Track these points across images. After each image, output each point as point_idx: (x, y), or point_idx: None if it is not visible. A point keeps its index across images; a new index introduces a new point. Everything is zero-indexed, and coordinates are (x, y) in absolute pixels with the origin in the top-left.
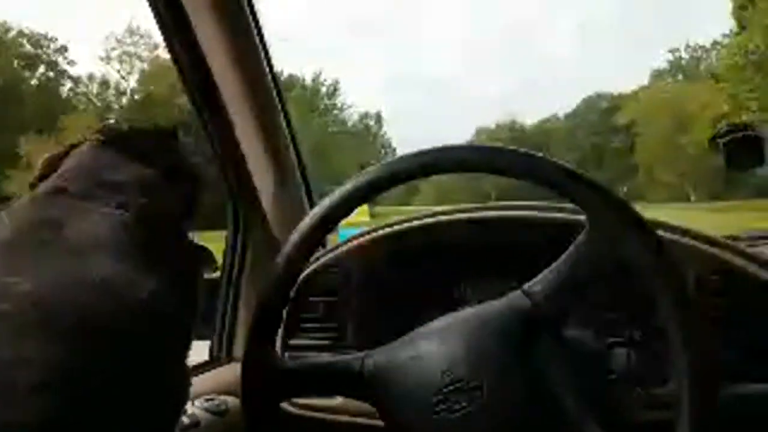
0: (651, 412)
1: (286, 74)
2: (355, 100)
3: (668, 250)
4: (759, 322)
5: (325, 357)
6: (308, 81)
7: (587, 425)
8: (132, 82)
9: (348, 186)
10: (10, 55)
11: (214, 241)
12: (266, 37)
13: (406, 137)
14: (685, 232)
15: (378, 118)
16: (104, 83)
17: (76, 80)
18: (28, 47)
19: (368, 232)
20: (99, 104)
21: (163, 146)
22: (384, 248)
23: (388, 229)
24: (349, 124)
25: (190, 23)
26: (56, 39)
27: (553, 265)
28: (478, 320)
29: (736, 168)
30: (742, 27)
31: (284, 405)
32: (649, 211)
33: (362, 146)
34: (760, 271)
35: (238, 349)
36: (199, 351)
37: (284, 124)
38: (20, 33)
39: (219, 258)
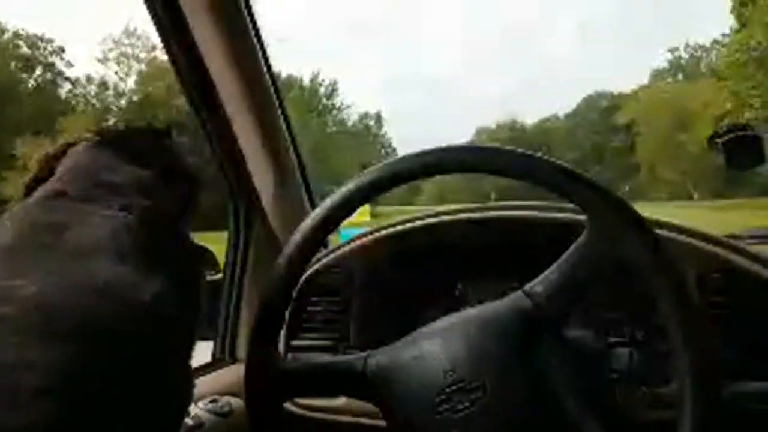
0: (653, 412)
1: (284, 75)
2: (355, 101)
3: (667, 249)
4: (760, 320)
5: (328, 357)
6: (306, 82)
7: (588, 425)
8: (130, 83)
9: (349, 186)
10: (7, 56)
11: (216, 242)
12: (264, 37)
13: (407, 137)
14: (684, 231)
15: (378, 118)
16: (103, 84)
17: (74, 82)
18: (24, 49)
19: (370, 233)
20: (98, 106)
21: (158, 146)
22: (386, 248)
23: (389, 230)
24: (349, 124)
25: (188, 24)
26: (53, 40)
27: (554, 265)
28: (479, 320)
29: (736, 167)
30: (742, 24)
31: (287, 405)
32: (651, 210)
33: (362, 146)
34: (761, 270)
35: (241, 351)
36: (202, 352)
37: (283, 124)
38: (16, 34)
39: (220, 258)
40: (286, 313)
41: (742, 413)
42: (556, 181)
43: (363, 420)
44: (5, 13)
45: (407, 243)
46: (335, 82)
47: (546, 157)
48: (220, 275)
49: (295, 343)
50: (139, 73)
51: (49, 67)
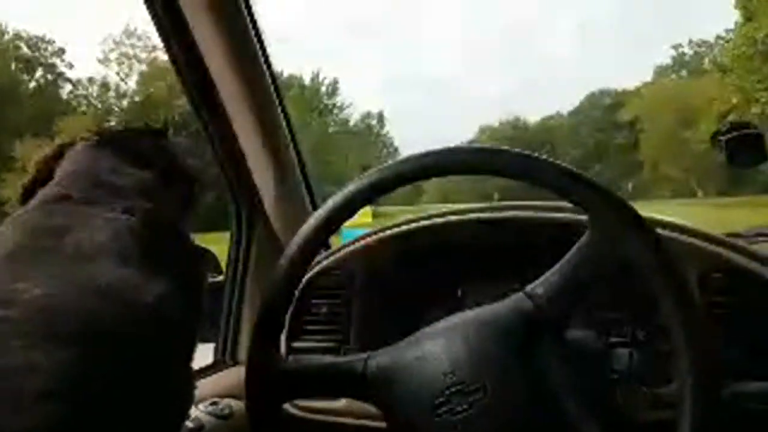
0: (654, 412)
1: (285, 75)
2: (357, 101)
3: (668, 249)
4: (761, 320)
5: (329, 358)
6: (307, 81)
7: (589, 426)
8: (131, 83)
9: (351, 187)
10: (8, 57)
11: (217, 243)
12: (264, 37)
13: (408, 137)
14: (685, 231)
15: (380, 117)
16: (104, 85)
17: (75, 83)
18: (25, 50)
19: (371, 234)
20: (99, 106)
21: (157, 147)
22: (387, 249)
23: (391, 231)
24: (351, 123)
25: (188, 24)
26: (54, 41)
27: (555, 267)
28: (480, 322)
29: (738, 165)
30: (748, 18)
31: (287, 407)
32: (654, 208)
33: (364, 146)
34: (763, 270)
35: (243, 353)
36: (203, 354)
37: (284, 124)
38: (17, 36)
39: (222, 259)
40: (288, 315)
41: (743, 413)
42: (556, 182)
43: (363, 422)
44: (6, 14)
45: (409, 244)
46: (336, 81)
47: (546, 158)
48: (221, 277)
49: (297, 344)
50: (140, 73)
51: (50, 68)
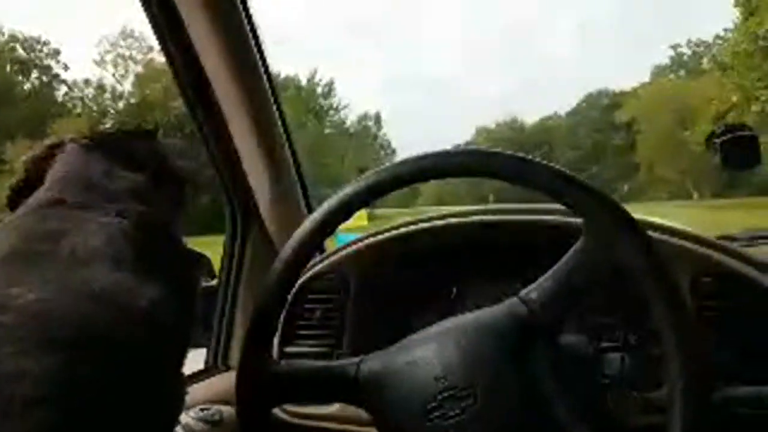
0: (644, 417)
1: (282, 76)
2: (355, 102)
3: (660, 251)
4: (752, 324)
5: (321, 362)
6: (303, 82)
7: (580, 431)
8: (127, 85)
9: (347, 190)
10: (3, 59)
11: (210, 246)
12: (261, 37)
13: (406, 138)
14: (677, 233)
15: (377, 119)
16: (100, 87)
17: (71, 85)
18: (20, 51)
19: (365, 238)
20: (95, 108)
21: (149, 149)
22: (382, 253)
23: (385, 235)
24: (347, 125)
25: (184, 24)
26: (49, 42)
27: (549, 272)
28: (473, 326)
29: (732, 168)
30: (750, 13)
31: (277, 413)
32: (650, 210)
33: (361, 148)
34: (754, 273)
35: (234, 358)
36: (195, 359)
37: (280, 125)
38: (13, 37)
39: (215, 262)
40: (281, 319)
41: (733, 417)
42: (549, 184)
43: (353, 428)
44: (2, 16)
45: (404, 247)
46: (332, 82)
47: (540, 160)
48: (215, 281)
49: (289, 349)
50: (136, 75)
51: (46, 69)
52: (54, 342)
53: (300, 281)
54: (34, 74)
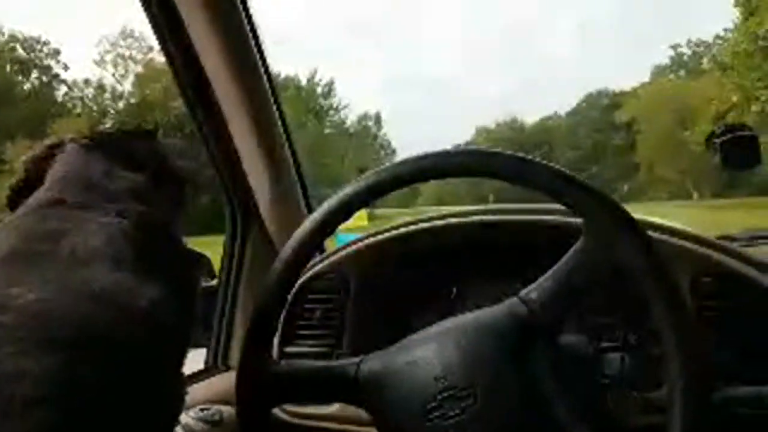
0: (644, 417)
1: (282, 76)
2: (356, 102)
3: (660, 251)
4: (752, 323)
5: (321, 362)
6: (303, 81)
7: (580, 431)
8: (127, 85)
9: (347, 190)
10: (3, 59)
11: (210, 246)
12: (261, 37)
13: (406, 138)
14: (677, 233)
15: (377, 119)
16: (100, 87)
17: (71, 85)
18: (20, 51)
19: (365, 238)
20: (95, 108)
21: (148, 149)
22: (382, 253)
23: (385, 235)
24: (347, 125)
25: (184, 24)
26: (49, 42)
27: (549, 272)
28: (473, 326)
29: (732, 168)
30: (750, 13)
31: (278, 413)
32: (651, 210)
33: (361, 148)
34: (753, 273)
35: (235, 358)
36: (195, 359)
37: (280, 125)
38: (13, 37)
39: (215, 262)
40: (281, 319)
41: (733, 417)
42: (549, 184)
43: (353, 428)
44: (2, 16)
45: (404, 247)
46: (332, 82)
47: (540, 160)
48: (215, 281)
49: (289, 349)
50: (136, 75)
51: (46, 69)
52: (54, 342)
53: (300, 281)
54: (34, 74)
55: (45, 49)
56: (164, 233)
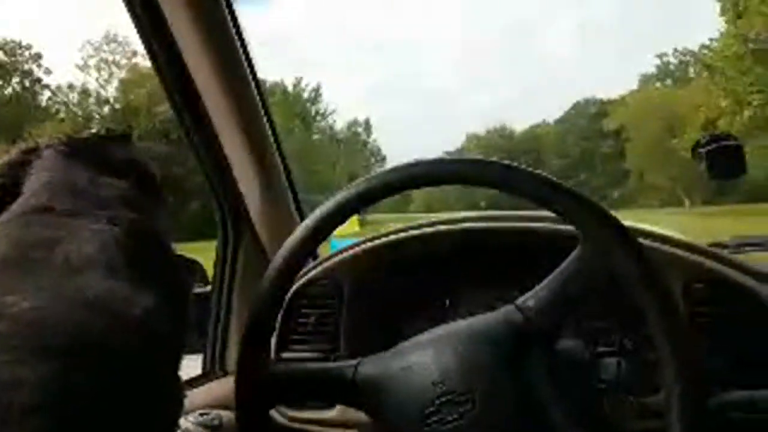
0: (641, 422)
1: (269, 83)
2: (345, 108)
3: (651, 258)
4: (745, 329)
5: (318, 364)
6: (290, 88)
7: None
8: (111, 90)
9: (339, 197)
10: None
11: (202, 252)
12: (248, 43)
13: (395, 145)
14: (668, 241)
15: (367, 125)
16: (84, 92)
17: (55, 90)
18: (0, 55)
19: (359, 244)
20: (80, 113)
21: (127, 154)
22: (375, 259)
23: (379, 241)
24: (336, 131)
25: (170, 29)
26: (31, 46)
27: (546, 280)
28: (470, 333)
29: (718, 177)
30: (737, 16)
31: (277, 417)
32: (642, 217)
33: (351, 155)
34: (745, 279)
35: (231, 363)
36: (192, 365)
37: (269, 131)
38: None
39: (207, 268)
40: (276, 324)
41: (728, 422)
42: (536, 192)
43: None
44: None
45: (397, 253)
46: (319, 88)
47: (526, 168)
48: (209, 287)
49: (285, 355)
50: (120, 80)
51: (27, 74)
52: (49, 350)
53: (294, 287)
54: (15, 79)
55: (26, 53)
56: (155, 240)
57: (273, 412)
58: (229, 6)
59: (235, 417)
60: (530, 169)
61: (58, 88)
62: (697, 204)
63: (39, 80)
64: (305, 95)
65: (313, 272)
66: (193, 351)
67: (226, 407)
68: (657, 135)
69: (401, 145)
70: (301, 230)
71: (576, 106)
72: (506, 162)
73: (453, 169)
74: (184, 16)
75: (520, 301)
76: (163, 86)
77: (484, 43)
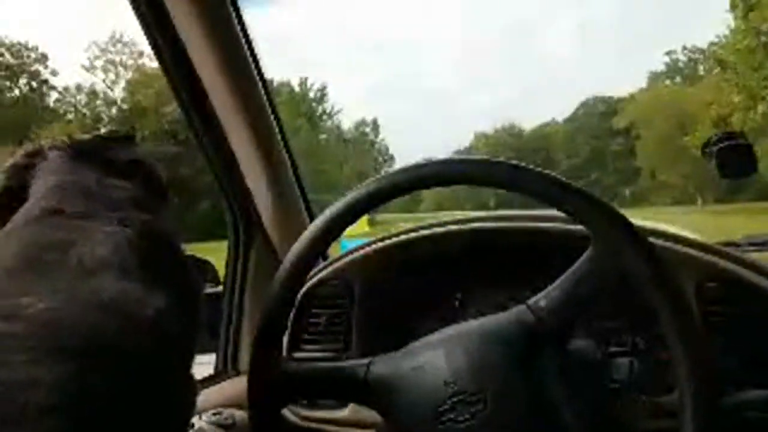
0: (654, 421)
1: (276, 82)
2: (353, 107)
3: (662, 258)
4: (758, 329)
5: (331, 363)
6: (296, 88)
7: None
8: (118, 91)
9: (348, 197)
10: None
11: (214, 252)
12: (255, 43)
13: (402, 144)
14: (680, 240)
15: (375, 125)
16: (93, 93)
17: (63, 91)
18: (7, 57)
19: (370, 244)
20: (88, 114)
21: (133, 155)
22: (386, 259)
23: (389, 241)
24: (344, 130)
25: (178, 31)
26: (37, 48)
27: (558, 281)
28: (482, 332)
29: (728, 176)
30: (749, 9)
31: (290, 416)
32: (656, 216)
33: (359, 154)
34: (757, 278)
35: (244, 362)
36: (205, 364)
37: (277, 131)
38: None
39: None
40: (288, 324)
41: (743, 422)
42: (545, 192)
43: None
44: None
45: (408, 253)
46: (324, 87)
47: (535, 168)
48: (221, 287)
49: (297, 355)
50: (128, 81)
51: (34, 75)
52: (64, 351)
53: (305, 288)
54: (23, 80)
55: (32, 55)
56: (166, 241)
57: (285, 411)
58: (234, 4)
59: (248, 416)
60: (539, 168)
61: (66, 89)
62: (710, 202)
63: (46, 81)
64: (311, 95)
65: (324, 272)
66: (206, 351)
67: (239, 406)
68: (667, 133)
69: (401, 144)
70: (311, 231)
71: (585, 105)
72: (514, 162)
73: (461, 170)
74: (190, 15)
75: (531, 301)
76: (171, 85)
77: (484, 43)
